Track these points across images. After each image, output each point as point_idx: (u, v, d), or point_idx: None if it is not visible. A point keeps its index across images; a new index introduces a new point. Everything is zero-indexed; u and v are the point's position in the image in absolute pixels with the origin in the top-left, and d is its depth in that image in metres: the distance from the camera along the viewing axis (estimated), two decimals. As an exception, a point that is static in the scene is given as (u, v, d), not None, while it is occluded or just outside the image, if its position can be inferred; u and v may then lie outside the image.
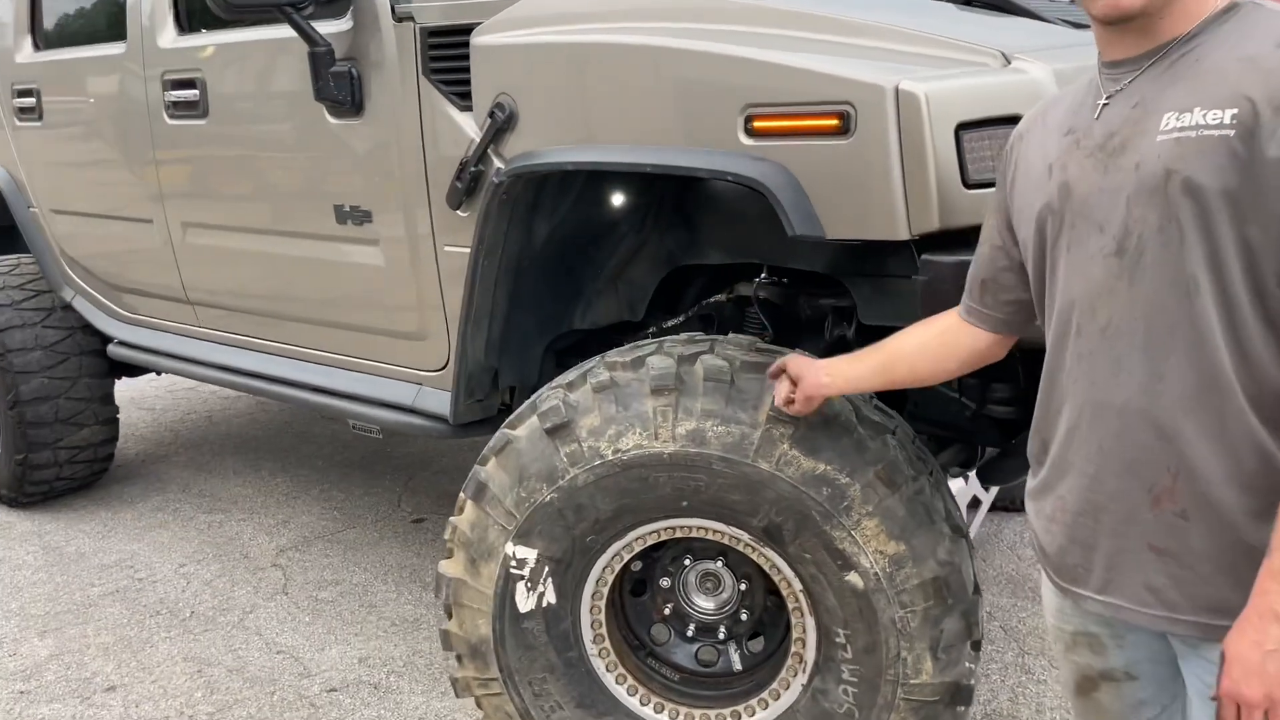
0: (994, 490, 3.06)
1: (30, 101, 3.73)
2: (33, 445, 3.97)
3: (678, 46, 2.00)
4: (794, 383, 1.89)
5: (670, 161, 2.01)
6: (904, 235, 1.80)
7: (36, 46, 3.77)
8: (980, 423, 2.35)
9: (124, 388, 4.61)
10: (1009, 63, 1.87)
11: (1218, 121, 1.18)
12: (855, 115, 1.80)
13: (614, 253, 2.65)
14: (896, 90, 1.76)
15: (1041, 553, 1.50)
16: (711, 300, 2.69)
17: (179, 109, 3.10)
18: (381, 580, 3.52)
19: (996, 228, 1.54)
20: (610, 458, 2.05)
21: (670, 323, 2.75)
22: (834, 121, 1.82)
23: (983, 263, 1.58)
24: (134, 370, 4.05)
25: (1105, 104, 1.32)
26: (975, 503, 3.03)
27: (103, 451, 4.20)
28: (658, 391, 2.04)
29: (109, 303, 3.83)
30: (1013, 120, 1.81)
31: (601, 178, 2.42)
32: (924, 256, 1.81)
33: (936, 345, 1.68)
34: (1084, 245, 1.32)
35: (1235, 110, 1.17)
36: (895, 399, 2.36)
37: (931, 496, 2.02)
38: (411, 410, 2.77)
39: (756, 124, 1.91)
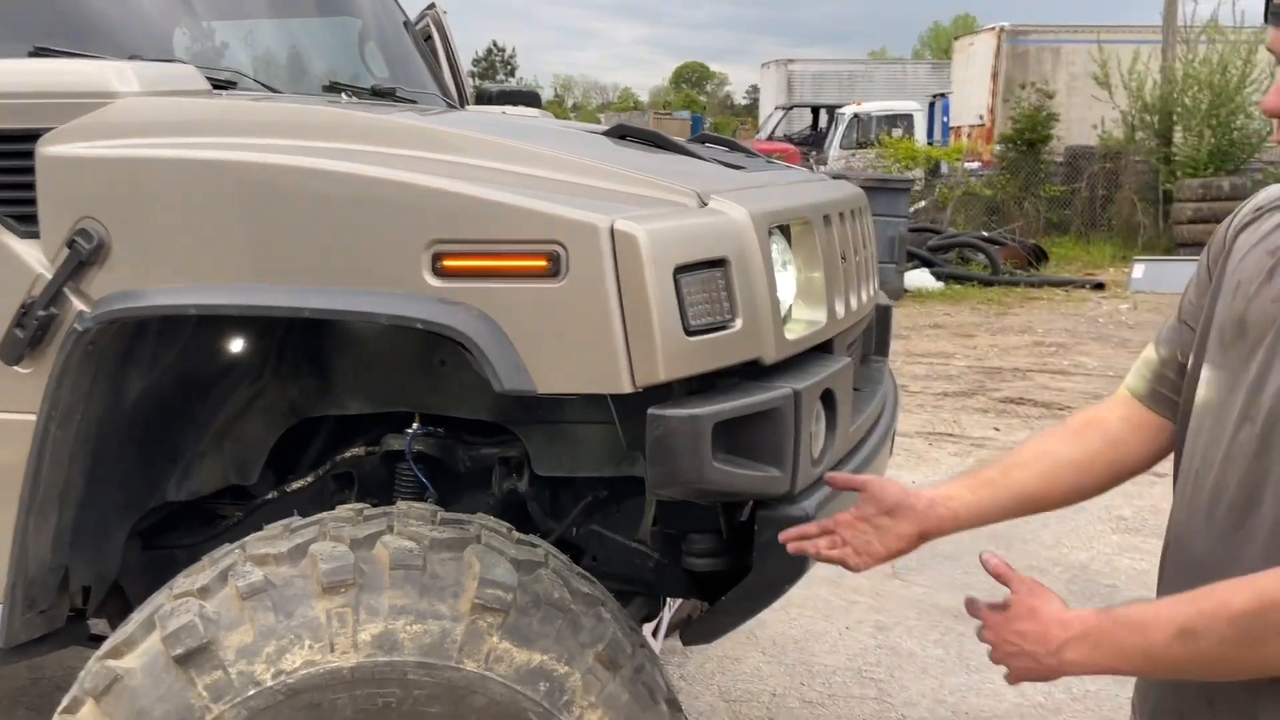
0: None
1: None
2: None
3: (343, 170, 1.66)
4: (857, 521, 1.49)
5: (340, 306, 1.65)
6: (628, 388, 1.61)
7: None
8: (665, 575, 2.20)
9: None
10: (705, 203, 1.78)
11: None
12: (566, 256, 1.60)
13: (222, 407, 2.18)
14: (612, 230, 1.59)
15: None
16: (348, 455, 2.31)
17: None
18: None
19: (1193, 308, 1.38)
20: (270, 684, 1.60)
21: (296, 485, 2.31)
22: (542, 263, 1.60)
23: (1180, 342, 1.40)
24: None
25: None
26: None
27: None
28: (332, 590, 1.63)
29: None
30: (717, 264, 1.74)
31: (218, 321, 1.97)
32: (652, 411, 1.63)
33: (1107, 454, 1.42)
34: None
35: None
36: (571, 552, 2.14)
37: (651, 672, 1.82)
38: (-69, 635, 2.02)
39: (446, 263, 1.63)
